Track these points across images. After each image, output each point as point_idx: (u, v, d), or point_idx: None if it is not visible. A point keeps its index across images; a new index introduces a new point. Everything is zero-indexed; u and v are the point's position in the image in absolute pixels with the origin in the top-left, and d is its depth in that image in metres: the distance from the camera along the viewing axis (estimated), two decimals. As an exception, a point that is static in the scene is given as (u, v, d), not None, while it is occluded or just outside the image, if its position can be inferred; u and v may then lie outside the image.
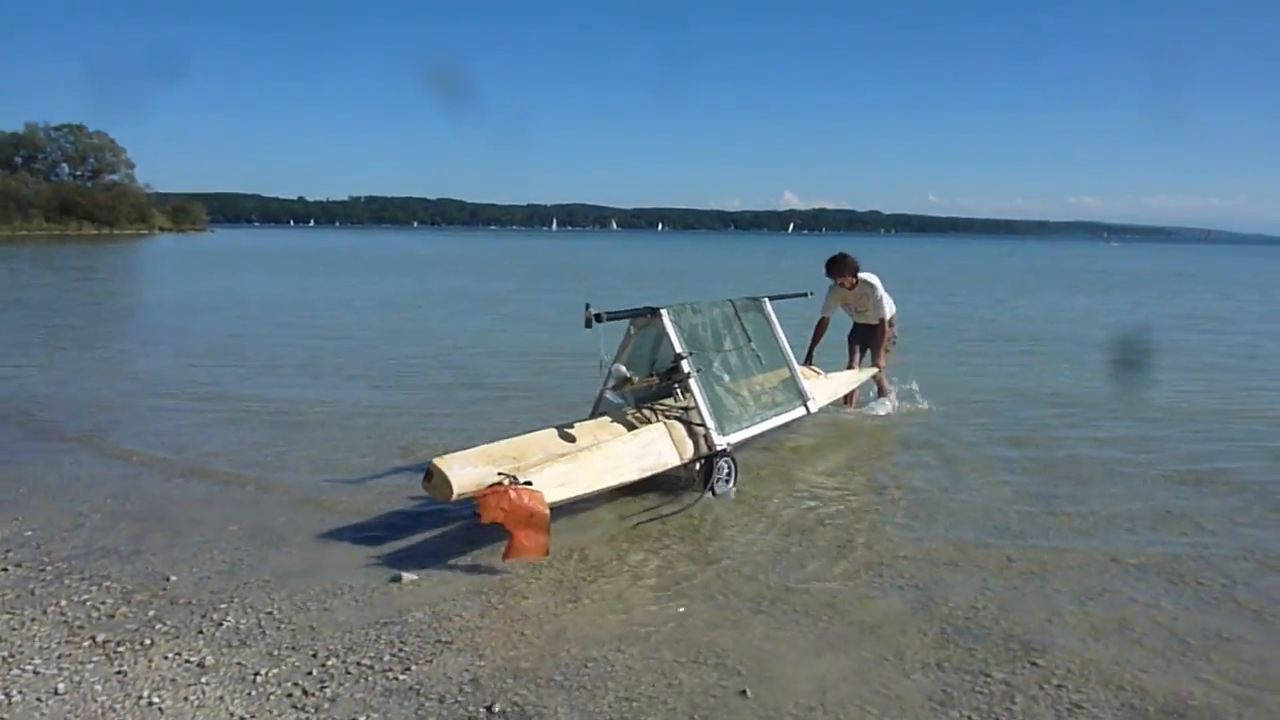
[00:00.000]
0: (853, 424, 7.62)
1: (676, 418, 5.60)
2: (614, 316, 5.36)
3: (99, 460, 6.18)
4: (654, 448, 5.27)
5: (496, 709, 2.99)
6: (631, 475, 5.05)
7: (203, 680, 3.15)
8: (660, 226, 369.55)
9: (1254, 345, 13.95)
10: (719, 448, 5.47)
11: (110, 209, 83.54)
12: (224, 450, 6.43)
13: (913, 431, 7.28)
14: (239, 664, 3.27)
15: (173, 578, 4.08)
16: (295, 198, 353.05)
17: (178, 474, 5.83)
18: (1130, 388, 9.54)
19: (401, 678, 3.19)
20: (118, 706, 2.97)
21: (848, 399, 7.89)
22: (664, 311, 5.59)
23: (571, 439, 5.22)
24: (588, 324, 5.17)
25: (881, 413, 7.82)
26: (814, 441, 7.03)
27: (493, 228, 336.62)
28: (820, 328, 7.85)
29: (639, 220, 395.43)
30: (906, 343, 8.49)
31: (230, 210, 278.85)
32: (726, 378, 5.92)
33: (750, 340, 6.35)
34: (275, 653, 3.37)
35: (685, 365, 5.51)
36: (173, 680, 3.14)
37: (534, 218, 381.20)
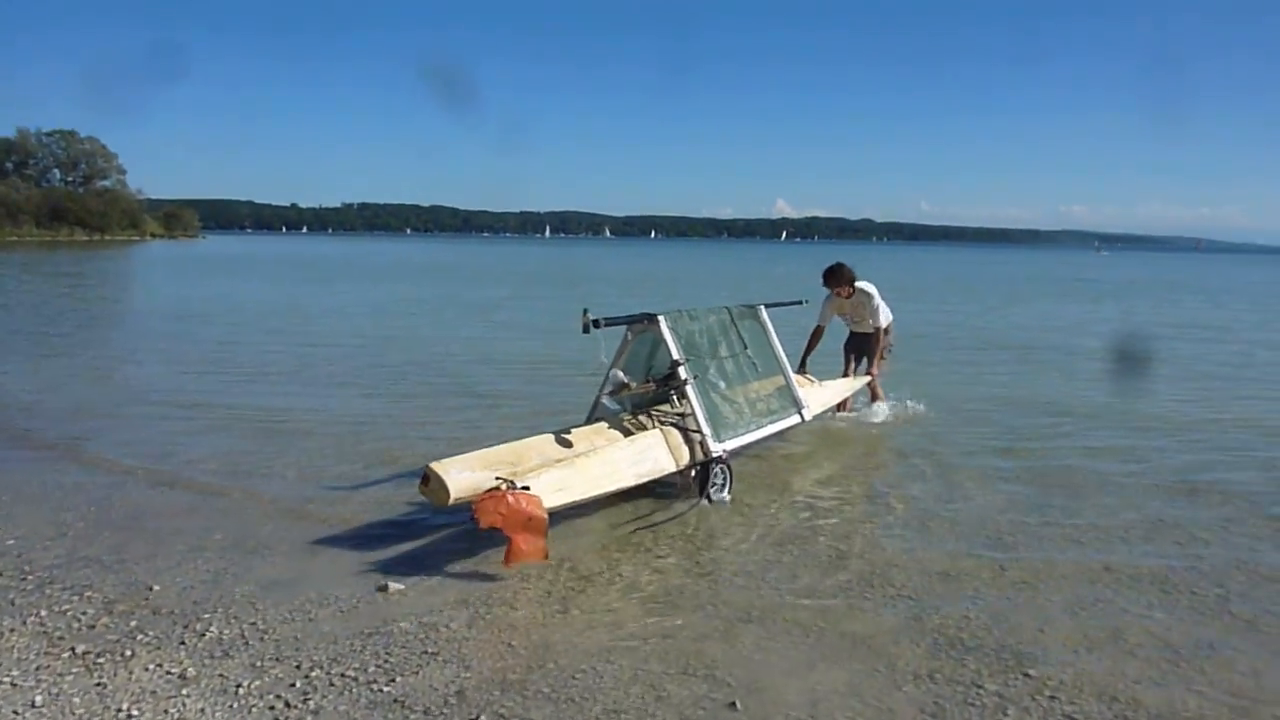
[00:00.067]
0: (846, 432, 7.59)
1: (673, 424, 5.60)
2: (612, 322, 5.36)
3: (82, 469, 6.11)
4: (651, 454, 5.28)
5: (482, 722, 2.94)
6: (628, 481, 5.05)
7: (183, 692, 3.09)
8: (653, 234, 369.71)
9: (1247, 354, 13.97)
10: (715, 454, 5.47)
11: (102, 215, 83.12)
12: (210, 459, 6.36)
13: (906, 440, 7.25)
14: (221, 676, 3.22)
15: (155, 587, 4.03)
16: (288, 204, 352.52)
17: (162, 483, 5.77)
18: (1123, 397, 9.53)
19: (386, 689, 3.14)
20: (96, 719, 2.92)
21: (841, 405, 7.88)
22: (661, 318, 5.60)
23: (568, 444, 5.22)
24: (586, 329, 5.17)
25: (876, 420, 7.82)
26: (807, 449, 6.99)
27: (485, 235, 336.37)
28: (815, 336, 7.86)
29: (632, 228, 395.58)
30: (900, 350, 8.48)
31: (223, 217, 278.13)
32: (722, 384, 5.92)
33: (746, 347, 6.36)
34: (258, 664, 3.31)
35: (682, 371, 5.52)
36: (153, 692, 3.09)
37: (527, 225, 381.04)
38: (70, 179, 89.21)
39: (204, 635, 3.54)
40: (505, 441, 5.12)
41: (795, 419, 6.55)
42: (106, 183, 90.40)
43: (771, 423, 6.26)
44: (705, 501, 5.37)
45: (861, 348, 8.01)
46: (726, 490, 5.52)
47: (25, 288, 25.34)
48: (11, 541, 4.59)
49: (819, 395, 7.22)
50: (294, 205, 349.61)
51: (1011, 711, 3.07)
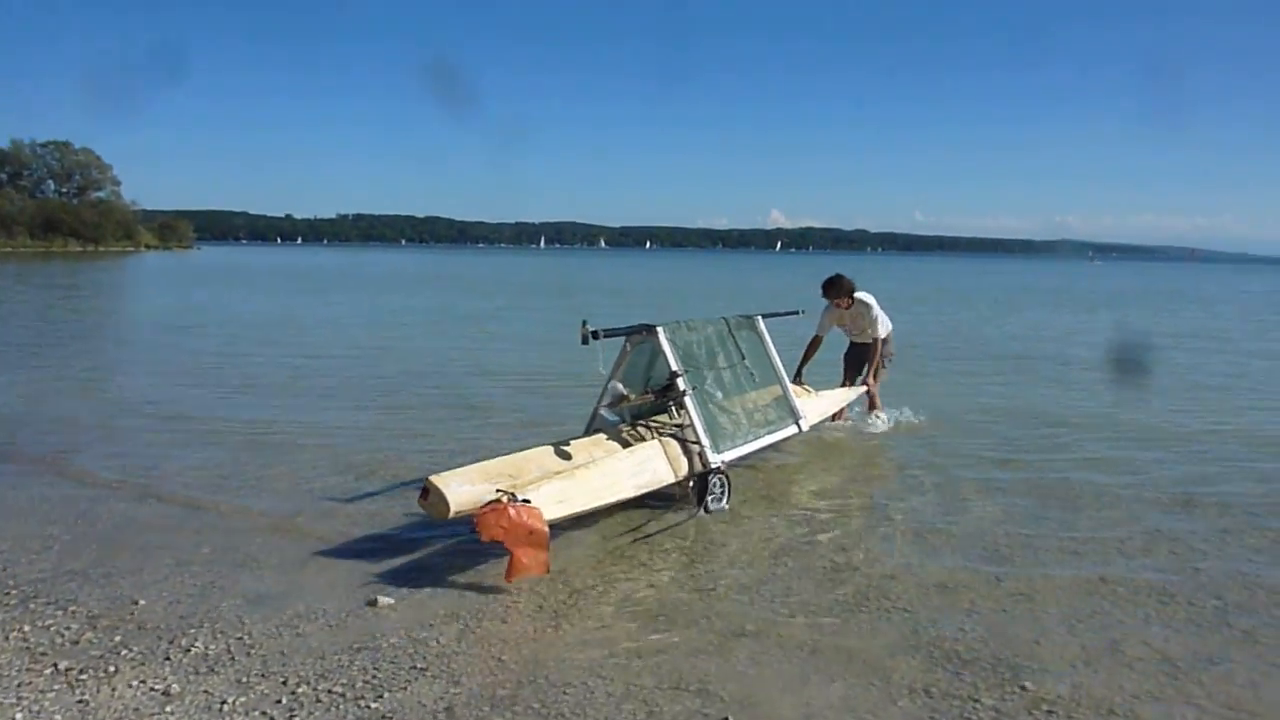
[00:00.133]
0: (844, 442, 7.57)
1: (671, 435, 5.61)
2: (610, 334, 5.38)
3: (69, 481, 6.04)
4: (650, 465, 5.28)
5: (471, 739, 2.89)
6: (628, 492, 5.04)
7: (167, 709, 3.04)
8: (648, 244, 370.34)
9: (1242, 364, 13.97)
10: (713, 465, 5.47)
11: (96, 226, 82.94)
12: (199, 471, 6.30)
13: (903, 451, 7.23)
14: (205, 692, 3.17)
15: (141, 601, 3.97)
16: (283, 215, 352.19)
17: (150, 496, 5.70)
18: (1119, 407, 9.50)
19: (374, 706, 3.09)
20: (77, 738, 2.87)
21: (836, 414, 7.87)
22: (660, 329, 5.60)
23: (568, 456, 5.22)
24: (584, 340, 5.19)
25: (873, 430, 7.82)
26: (803, 461, 6.96)
27: (481, 245, 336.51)
28: (813, 346, 7.86)
29: (627, 238, 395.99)
30: (897, 360, 8.46)
31: (217, 228, 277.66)
32: (720, 395, 5.92)
33: (744, 358, 6.37)
34: (244, 680, 3.26)
35: (680, 383, 5.51)
36: (136, 709, 3.04)
37: (522, 235, 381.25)
38: (64, 190, 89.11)
39: (189, 651, 3.49)
40: (502, 454, 5.09)
41: (793, 429, 6.55)
42: (101, 194, 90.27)
43: (769, 433, 6.27)
44: (703, 512, 5.35)
45: (861, 358, 8.02)
46: (725, 500, 5.51)
47: (17, 299, 25.26)
48: (-4, 555, 4.53)
49: (816, 405, 7.23)
50: (289, 216, 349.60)
51: (1008, 726, 3.03)
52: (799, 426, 6.60)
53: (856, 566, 4.58)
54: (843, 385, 8.06)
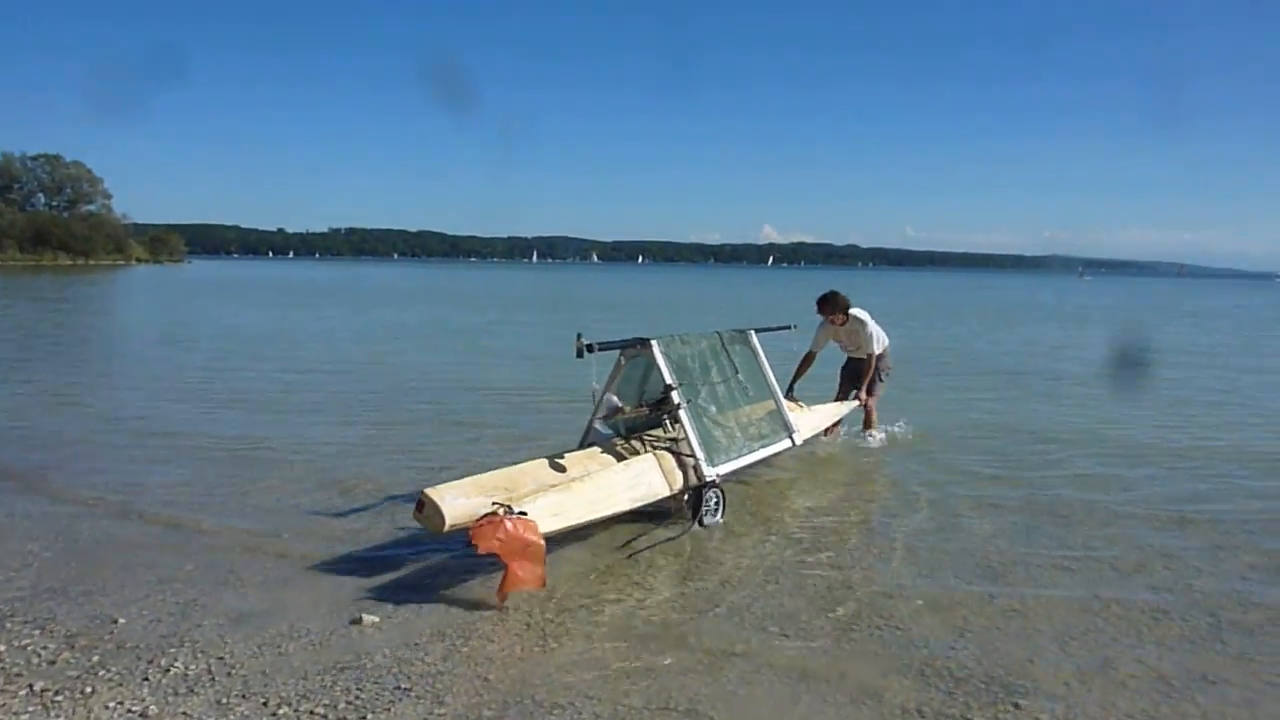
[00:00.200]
0: (837, 459, 7.54)
1: (666, 448, 5.61)
2: (605, 347, 5.39)
3: (50, 498, 5.94)
4: (645, 478, 5.27)
5: (455, 762, 2.83)
6: (623, 505, 5.03)
7: (144, 732, 2.97)
8: (640, 259, 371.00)
9: (1232, 380, 13.98)
10: (708, 479, 5.47)
11: (86, 239, 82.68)
12: (183, 488, 6.22)
13: (896, 468, 7.19)
14: (184, 714, 3.10)
15: (121, 620, 3.90)
16: (275, 229, 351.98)
17: (133, 513, 5.61)
18: (1110, 424, 9.48)
19: (356, 728, 3.02)
20: (50, 762, 2.80)
21: (829, 429, 7.86)
22: (654, 342, 5.61)
23: (563, 469, 5.22)
24: (579, 354, 5.19)
25: (868, 447, 7.82)
26: (796, 477, 6.92)
27: (473, 259, 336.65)
28: (806, 361, 7.84)
29: (619, 253, 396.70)
30: (893, 375, 8.42)
31: (209, 241, 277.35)
32: (714, 409, 5.92)
33: (737, 372, 6.38)
34: (224, 701, 3.19)
35: (675, 396, 5.51)
36: (112, 732, 2.97)
37: (514, 250, 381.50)
38: (55, 203, 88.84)
39: (168, 671, 3.42)
40: (493, 469, 5.08)
41: (786, 443, 6.55)
42: (91, 207, 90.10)
43: (763, 447, 6.26)
44: (698, 525, 5.34)
45: (857, 372, 8.02)
46: (720, 514, 5.51)
47: (5, 312, 25.09)
48: (-26, 573, 4.45)
49: (809, 420, 7.23)
50: (280, 230, 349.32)
51: (1002, 747, 2.98)
52: (792, 440, 6.60)
53: (849, 585, 4.53)
54: (838, 398, 8.05)
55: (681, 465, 5.50)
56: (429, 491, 4.43)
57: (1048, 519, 5.72)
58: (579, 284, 70.32)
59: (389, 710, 3.15)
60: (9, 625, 3.83)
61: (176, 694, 3.24)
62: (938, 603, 4.28)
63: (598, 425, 5.79)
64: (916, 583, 4.56)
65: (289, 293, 43.42)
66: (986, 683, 3.45)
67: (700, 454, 5.49)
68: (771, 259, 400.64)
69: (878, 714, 3.20)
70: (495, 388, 11.47)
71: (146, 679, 3.35)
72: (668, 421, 5.83)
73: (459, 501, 4.45)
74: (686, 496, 5.49)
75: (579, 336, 5.18)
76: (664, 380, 5.56)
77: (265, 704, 3.17)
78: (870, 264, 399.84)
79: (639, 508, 5.23)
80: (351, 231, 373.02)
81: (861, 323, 7.80)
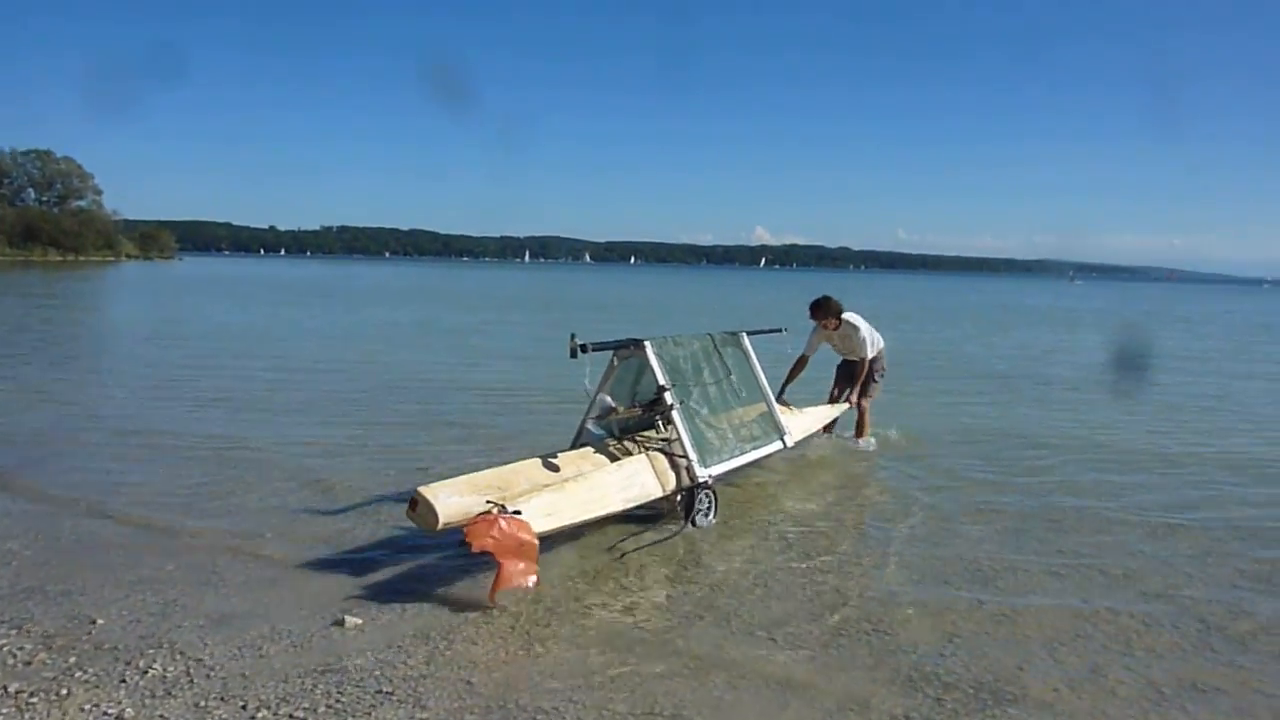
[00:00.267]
0: (828, 463, 7.51)
1: (659, 449, 5.60)
2: (599, 347, 5.40)
3: (31, 497, 5.85)
4: (638, 479, 5.26)
5: (436, 768, 2.79)
6: (616, 506, 5.02)
7: (119, 736, 2.92)
8: (633, 259, 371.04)
9: (1223, 386, 14.00)
10: (701, 480, 5.47)
11: (76, 235, 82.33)
12: (166, 488, 6.13)
13: (887, 474, 7.17)
14: (161, 716, 3.05)
15: (99, 621, 3.83)
16: (266, 226, 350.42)
17: (115, 512, 5.52)
18: (1101, 429, 9.47)
19: (336, 732, 2.97)
20: (22, 766, 2.74)
21: (828, 428, 7.93)
22: (647, 343, 5.62)
23: (556, 469, 5.22)
24: (573, 354, 5.21)
25: (860, 453, 7.81)
26: (787, 479, 6.88)
27: (465, 259, 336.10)
28: (799, 365, 7.85)
29: (612, 253, 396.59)
30: (886, 377, 8.40)
31: (200, 238, 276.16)
32: (706, 410, 5.93)
33: (729, 374, 6.39)
34: (202, 704, 3.14)
35: (668, 397, 5.52)
36: (86, 736, 2.91)
37: (507, 249, 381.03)
38: (45, 199, 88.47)
39: (146, 673, 3.36)
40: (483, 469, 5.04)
41: (778, 445, 6.55)
42: (82, 203, 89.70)
43: (755, 448, 6.26)
44: (691, 526, 5.34)
45: (853, 372, 8.03)
46: (712, 516, 5.51)
47: (-7, 308, 24.90)
48: (-49, 572, 4.38)
49: (800, 422, 7.23)
50: (272, 227, 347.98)
51: (990, 755, 2.95)
52: (784, 442, 6.60)
53: (838, 590, 4.49)
54: (832, 396, 8.08)
55: (674, 466, 5.49)
56: (422, 490, 4.41)
57: (1038, 525, 5.69)
58: (571, 284, 70.26)
59: (369, 714, 3.10)
60: (-15, 625, 3.77)
61: (154, 696, 3.19)
62: (927, 609, 4.25)
63: (590, 426, 5.80)
64: (906, 588, 4.53)
65: (279, 290, 43.24)
66: (975, 689, 3.42)
67: (693, 455, 5.49)
68: (764, 260, 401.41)
69: (865, 720, 3.16)
70: (485, 388, 11.41)
71: (124, 681, 3.30)
72: (660, 422, 5.83)
73: (452, 500, 4.43)
74: (679, 497, 5.48)
75: (572, 337, 5.19)
76: (657, 381, 5.56)
77: (244, 707, 3.12)
78: (862, 266, 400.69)
79: (632, 508, 5.21)
80: (343, 230, 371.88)
81: (854, 327, 7.82)
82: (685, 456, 5.49)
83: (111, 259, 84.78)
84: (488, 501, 4.28)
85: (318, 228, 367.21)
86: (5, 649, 3.54)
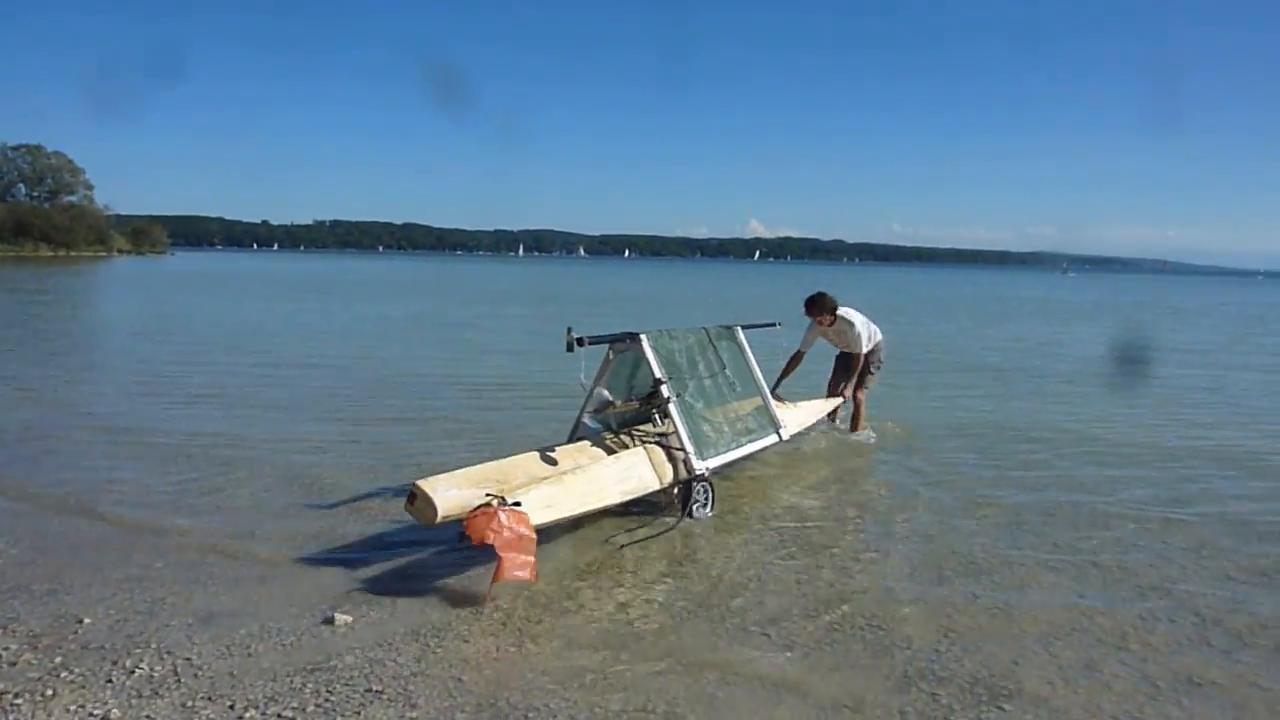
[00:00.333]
0: (823, 456, 7.49)
1: (655, 442, 5.62)
2: (595, 341, 5.42)
3: (17, 496, 5.78)
4: (635, 471, 5.29)
5: (425, 768, 2.75)
6: (614, 499, 5.03)
7: (104, 737, 2.88)
8: (627, 253, 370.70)
9: (1219, 377, 14.01)
10: (697, 472, 5.48)
11: (68, 230, 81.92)
12: (155, 486, 6.06)
13: (883, 468, 7.15)
14: (147, 717, 3.01)
15: (86, 620, 3.79)
16: (259, 221, 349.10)
17: (103, 510, 5.46)
18: (1096, 423, 9.45)
19: (324, 732, 2.94)
20: (5, 768, 2.70)
21: (833, 415, 8.00)
22: (643, 336, 5.63)
23: (554, 462, 5.25)
24: (569, 348, 5.23)
25: (856, 445, 7.82)
26: (781, 474, 6.86)
27: (459, 253, 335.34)
28: (794, 361, 7.89)
29: (606, 246, 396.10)
30: (883, 369, 8.38)
31: (192, 233, 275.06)
32: (701, 404, 5.94)
33: (724, 367, 6.41)
34: (189, 704, 3.10)
35: (665, 390, 5.54)
36: (71, 737, 2.87)
37: (501, 243, 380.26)
38: (36, 194, 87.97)
39: (133, 672, 3.32)
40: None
41: (773, 438, 6.56)
42: (73, 198, 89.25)
43: (751, 442, 6.27)
44: (688, 519, 5.35)
45: (849, 366, 8.05)
46: (709, 508, 5.52)
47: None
48: (-63, 571, 4.33)
49: (795, 416, 7.23)
50: (265, 222, 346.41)
51: (986, 751, 2.93)
52: (780, 436, 6.61)
53: (833, 585, 4.47)
54: (830, 387, 8.12)
55: (671, 459, 5.52)
56: (421, 483, 4.40)
57: (1034, 519, 5.66)
58: (566, 278, 70.13)
59: (359, 713, 3.06)
60: (-30, 625, 3.72)
61: (140, 696, 3.15)
62: (922, 604, 4.22)
63: (586, 420, 5.83)
64: (902, 583, 4.51)
65: (272, 285, 43.08)
66: (971, 684, 3.40)
67: (690, 447, 5.51)
68: (758, 253, 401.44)
69: (860, 716, 3.14)
70: (479, 383, 11.36)
71: (110, 681, 3.26)
72: (657, 416, 5.85)
73: (451, 493, 4.44)
74: (676, 490, 5.49)
75: (569, 330, 5.22)
76: (653, 374, 5.58)
77: (231, 707, 3.08)
78: (857, 259, 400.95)
79: (629, 501, 5.22)
80: (336, 224, 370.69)
81: (849, 323, 7.86)
82: (682, 449, 5.51)
83: (103, 254, 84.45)
84: (487, 494, 4.28)
85: (311, 222, 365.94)
86: (-10, 649, 3.50)
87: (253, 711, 3.05)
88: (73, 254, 79.27)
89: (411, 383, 11.31)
